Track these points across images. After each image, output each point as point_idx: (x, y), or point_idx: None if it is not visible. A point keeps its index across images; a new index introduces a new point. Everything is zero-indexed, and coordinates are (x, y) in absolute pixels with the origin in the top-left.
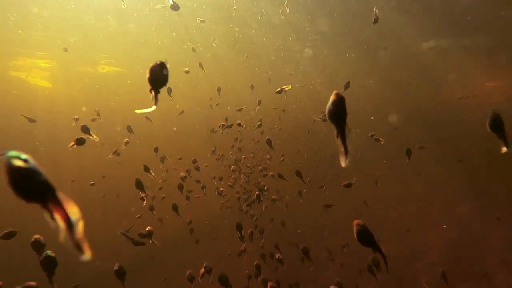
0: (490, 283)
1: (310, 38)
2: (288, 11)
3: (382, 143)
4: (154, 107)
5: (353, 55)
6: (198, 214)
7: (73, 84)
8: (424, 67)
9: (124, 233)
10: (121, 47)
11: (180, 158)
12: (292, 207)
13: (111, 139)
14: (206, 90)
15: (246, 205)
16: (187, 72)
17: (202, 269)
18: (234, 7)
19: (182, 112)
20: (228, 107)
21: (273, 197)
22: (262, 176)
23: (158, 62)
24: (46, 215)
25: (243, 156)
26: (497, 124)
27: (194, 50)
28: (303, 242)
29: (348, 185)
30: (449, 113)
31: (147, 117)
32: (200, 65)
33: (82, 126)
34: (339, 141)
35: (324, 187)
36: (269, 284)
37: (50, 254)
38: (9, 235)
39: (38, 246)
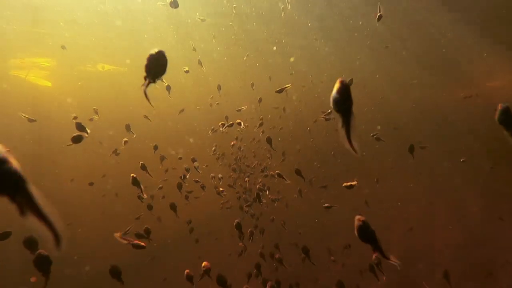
0: (494, 283)
1: (314, 37)
2: (289, 7)
3: (384, 142)
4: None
5: (358, 57)
6: (198, 214)
7: (73, 83)
8: (426, 67)
9: (122, 237)
10: (121, 45)
11: (180, 158)
12: (293, 207)
13: (111, 139)
14: (207, 89)
15: (247, 205)
16: (187, 71)
17: (205, 263)
18: (234, 5)
19: (182, 111)
20: (230, 106)
21: (270, 196)
22: (264, 177)
23: (157, 51)
24: (16, 209)
25: (244, 156)
26: (507, 117)
27: (194, 49)
28: (303, 242)
29: (350, 187)
30: (453, 112)
31: (145, 116)
32: (200, 63)
33: (76, 123)
34: (343, 131)
35: (326, 186)
36: (269, 284)
37: (44, 252)
38: (3, 236)
39: (31, 244)
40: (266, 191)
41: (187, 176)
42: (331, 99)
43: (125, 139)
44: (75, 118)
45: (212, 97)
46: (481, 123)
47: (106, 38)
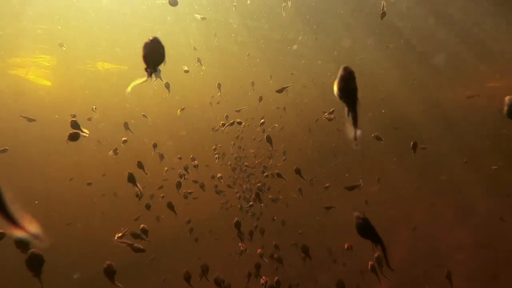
0: (498, 285)
1: (314, 36)
2: (290, 5)
3: (384, 142)
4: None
5: (360, 57)
6: (198, 214)
7: (73, 82)
8: (429, 67)
9: (121, 240)
10: (122, 44)
11: (180, 158)
12: (293, 207)
13: (111, 138)
14: (208, 87)
15: (249, 206)
16: (186, 71)
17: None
18: (234, 3)
19: (183, 109)
20: (230, 105)
21: (271, 196)
22: (265, 177)
23: (151, 38)
24: None
25: (244, 155)
26: None
27: (195, 48)
28: (303, 242)
29: (351, 188)
30: (455, 111)
31: (144, 114)
32: (199, 61)
33: (71, 121)
34: (349, 120)
35: (328, 186)
36: (264, 278)
37: (36, 252)
38: None
39: (22, 244)
40: (266, 191)
41: (185, 176)
42: (335, 87)
43: (124, 138)
44: (73, 116)
45: (212, 96)
46: (484, 123)
47: (106, 37)
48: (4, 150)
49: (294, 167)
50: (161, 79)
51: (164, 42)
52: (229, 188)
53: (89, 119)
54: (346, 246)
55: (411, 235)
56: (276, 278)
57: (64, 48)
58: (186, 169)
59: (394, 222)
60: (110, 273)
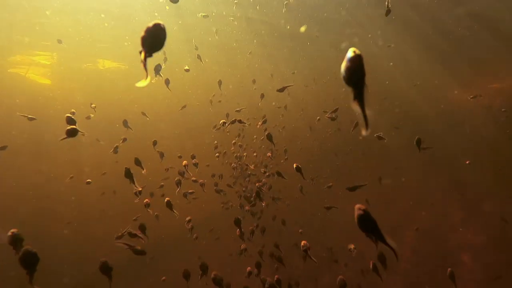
0: (502, 286)
1: (316, 35)
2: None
3: (386, 141)
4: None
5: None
6: (198, 213)
7: (73, 81)
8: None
9: (122, 242)
10: (122, 43)
11: (180, 156)
12: (294, 206)
13: (111, 137)
14: (208, 86)
15: (252, 205)
16: (187, 70)
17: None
18: (235, 1)
19: (184, 107)
20: (230, 104)
21: (272, 195)
22: (266, 177)
23: (154, 23)
24: None
25: (245, 154)
26: None
27: (196, 47)
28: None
29: (353, 189)
30: (459, 112)
31: (143, 112)
32: (198, 57)
33: (67, 117)
34: (356, 106)
35: (331, 186)
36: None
37: (30, 249)
38: None
39: (15, 241)
40: (266, 190)
41: (185, 174)
42: (341, 71)
43: (124, 136)
44: (72, 113)
45: (214, 95)
46: (487, 124)
47: (107, 35)
48: (4, 148)
49: (294, 165)
50: (161, 76)
51: (167, 38)
52: (229, 188)
53: (88, 118)
54: (350, 247)
55: (414, 235)
56: (276, 276)
57: (63, 45)
58: (185, 166)
59: (396, 222)
60: (106, 269)
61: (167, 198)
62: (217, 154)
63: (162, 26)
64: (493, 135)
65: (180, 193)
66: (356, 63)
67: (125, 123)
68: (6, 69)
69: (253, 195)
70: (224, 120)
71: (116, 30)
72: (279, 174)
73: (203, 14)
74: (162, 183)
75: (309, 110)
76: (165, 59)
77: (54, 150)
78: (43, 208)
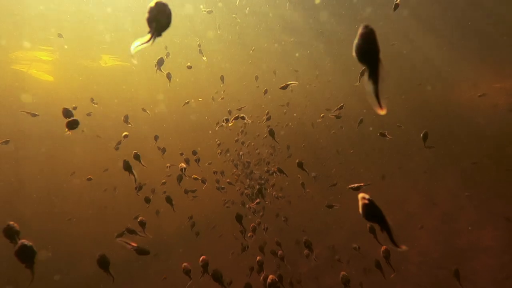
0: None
1: (320, 31)
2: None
3: (390, 138)
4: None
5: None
6: (200, 210)
7: (75, 78)
8: (436, 67)
9: (125, 241)
10: (124, 40)
11: (182, 154)
12: (296, 204)
13: (114, 133)
14: (211, 83)
15: (256, 203)
16: (189, 67)
17: (203, 257)
18: None
19: (187, 103)
20: (233, 101)
21: (274, 193)
22: (269, 175)
23: (157, 1)
24: None
25: (247, 151)
26: None
27: (199, 45)
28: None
29: (357, 188)
30: (462, 112)
31: (143, 108)
32: (200, 52)
33: (64, 109)
34: (370, 85)
35: (336, 184)
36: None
37: (26, 242)
38: None
39: (11, 233)
40: (268, 189)
41: (185, 170)
42: (354, 47)
43: (125, 133)
44: (74, 108)
45: (216, 92)
46: (492, 124)
47: (109, 32)
48: (6, 142)
49: (297, 161)
50: (161, 71)
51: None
52: (231, 185)
53: (89, 115)
54: (354, 246)
55: (415, 234)
56: (278, 273)
57: (63, 39)
58: (187, 161)
59: (398, 221)
60: (103, 263)
61: (166, 194)
62: (219, 151)
63: (164, 2)
64: (500, 135)
65: (182, 191)
66: (369, 38)
67: (125, 119)
68: (8, 66)
69: (255, 192)
70: (226, 117)
71: (119, 27)
72: (280, 171)
73: (206, 10)
74: (164, 180)
75: (311, 108)
76: (168, 54)
77: (55, 146)
78: (44, 204)
